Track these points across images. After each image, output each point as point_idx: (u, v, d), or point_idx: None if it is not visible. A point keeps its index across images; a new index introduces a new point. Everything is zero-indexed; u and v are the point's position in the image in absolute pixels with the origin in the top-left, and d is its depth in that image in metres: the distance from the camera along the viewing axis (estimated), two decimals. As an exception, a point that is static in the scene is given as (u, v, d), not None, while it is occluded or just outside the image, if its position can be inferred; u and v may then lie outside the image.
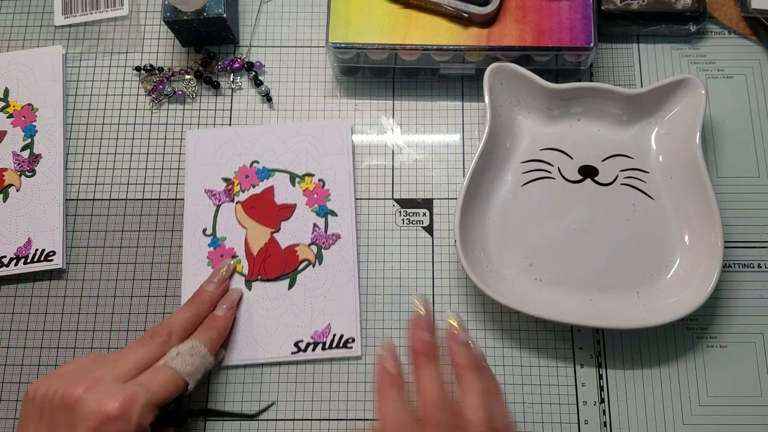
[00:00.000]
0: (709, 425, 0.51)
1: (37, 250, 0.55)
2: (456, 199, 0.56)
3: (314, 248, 0.54)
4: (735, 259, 0.55)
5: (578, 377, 0.53)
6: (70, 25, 0.62)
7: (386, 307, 0.54)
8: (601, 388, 0.52)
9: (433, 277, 0.55)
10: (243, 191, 0.56)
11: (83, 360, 0.46)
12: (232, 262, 0.54)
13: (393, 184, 0.58)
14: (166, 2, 0.57)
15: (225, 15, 0.57)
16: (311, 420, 0.52)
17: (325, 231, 0.55)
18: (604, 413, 0.52)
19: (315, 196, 0.56)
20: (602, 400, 0.52)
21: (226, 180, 0.57)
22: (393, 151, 0.59)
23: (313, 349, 0.52)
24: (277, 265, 0.54)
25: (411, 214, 0.57)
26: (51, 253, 0.55)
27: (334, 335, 0.52)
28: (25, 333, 0.55)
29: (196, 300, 0.51)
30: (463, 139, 0.58)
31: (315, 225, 0.55)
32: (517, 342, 0.53)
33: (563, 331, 0.54)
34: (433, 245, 0.56)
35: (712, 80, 0.59)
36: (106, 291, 0.55)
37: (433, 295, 0.55)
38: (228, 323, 0.51)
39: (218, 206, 0.56)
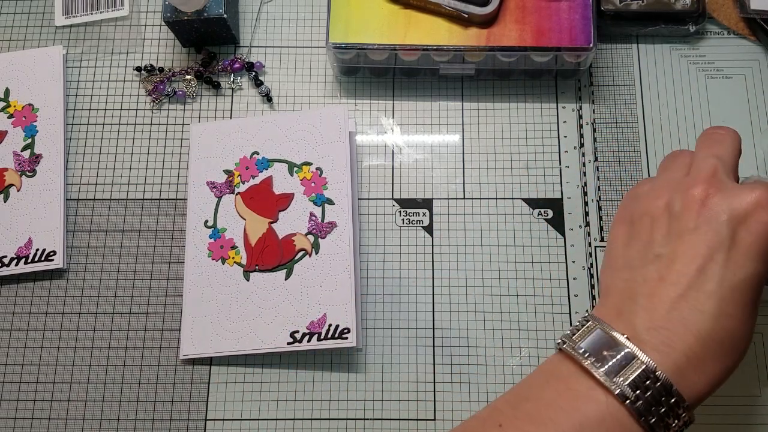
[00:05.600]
0: (708, 425, 0.51)
1: (37, 250, 0.55)
2: (456, 198, 0.57)
3: (311, 238, 0.54)
4: (734, 259, 0.55)
5: (578, 377, 0.53)
6: (71, 26, 0.62)
7: (386, 306, 0.54)
8: (601, 388, 0.52)
9: (433, 277, 0.55)
10: (243, 182, 0.56)
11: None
12: None
13: (393, 184, 0.58)
14: (167, 2, 0.57)
15: (225, 15, 0.57)
16: (311, 419, 0.52)
17: (322, 220, 0.55)
18: (604, 413, 0.52)
19: (312, 185, 0.56)
20: (602, 400, 0.52)
21: (227, 172, 0.57)
22: (393, 151, 0.59)
23: (309, 340, 0.52)
24: (274, 255, 0.54)
25: (411, 214, 0.57)
26: (51, 253, 0.55)
27: (330, 325, 0.52)
28: (26, 333, 0.55)
29: None
30: (463, 139, 0.59)
31: (312, 214, 0.55)
32: (517, 342, 0.53)
33: (564, 332, 0.54)
34: (433, 245, 0.56)
35: (711, 80, 0.59)
36: (106, 291, 0.55)
37: (433, 294, 0.55)
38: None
39: (219, 198, 0.56)
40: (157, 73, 0.61)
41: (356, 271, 0.54)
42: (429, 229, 0.56)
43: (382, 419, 0.52)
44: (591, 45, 0.54)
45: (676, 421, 0.33)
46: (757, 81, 0.59)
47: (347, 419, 0.52)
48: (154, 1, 0.63)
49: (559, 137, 0.58)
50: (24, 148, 0.58)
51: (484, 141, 0.58)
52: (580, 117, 0.59)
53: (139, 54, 0.62)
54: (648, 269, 0.36)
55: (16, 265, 0.55)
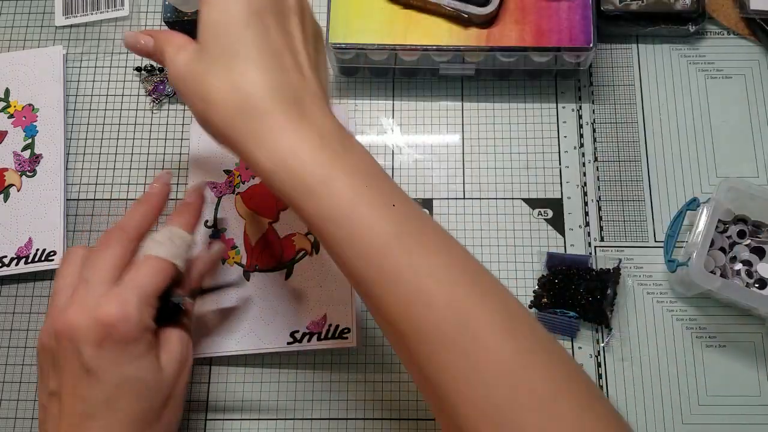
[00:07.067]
0: (708, 425, 0.51)
1: (37, 250, 0.55)
2: (456, 198, 0.57)
3: (311, 237, 0.54)
4: (734, 259, 0.55)
5: (578, 377, 0.53)
6: (71, 26, 0.62)
7: (386, 306, 0.54)
8: (601, 388, 0.52)
9: (433, 277, 0.55)
10: (243, 182, 0.57)
11: (63, 283, 0.43)
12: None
13: (393, 184, 0.58)
14: (167, 2, 0.57)
15: (225, 15, 0.57)
16: (311, 419, 0.52)
17: None
18: (604, 413, 0.52)
19: None
20: (602, 400, 0.52)
21: (227, 172, 0.57)
22: (393, 151, 0.59)
23: (309, 340, 0.52)
24: (274, 255, 0.54)
25: (411, 214, 0.57)
26: (52, 253, 0.55)
27: (330, 325, 0.52)
28: (26, 333, 0.55)
29: (142, 199, 0.46)
30: (463, 139, 0.59)
31: None
32: (516, 342, 0.53)
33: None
34: (433, 245, 0.56)
35: (711, 80, 0.59)
36: (106, 291, 0.55)
37: (433, 294, 0.55)
38: (200, 206, 0.48)
39: (219, 198, 0.56)
40: (157, 73, 0.61)
41: (356, 271, 0.54)
42: (429, 229, 0.56)
43: (382, 419, 0.52)
44: (591, 45, 0.54)
45: None
46: (757, 81, 0.59)
47: (347, 419, 0.52)
48: (154, 1, 0.63)
49: (559, 137, 0.58)
50: (24, 148, 0.58)
51: (484, 141, 0.58)
52: (580, 117, 0.59)
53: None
54: None
55: (16, 265, 0.55)
